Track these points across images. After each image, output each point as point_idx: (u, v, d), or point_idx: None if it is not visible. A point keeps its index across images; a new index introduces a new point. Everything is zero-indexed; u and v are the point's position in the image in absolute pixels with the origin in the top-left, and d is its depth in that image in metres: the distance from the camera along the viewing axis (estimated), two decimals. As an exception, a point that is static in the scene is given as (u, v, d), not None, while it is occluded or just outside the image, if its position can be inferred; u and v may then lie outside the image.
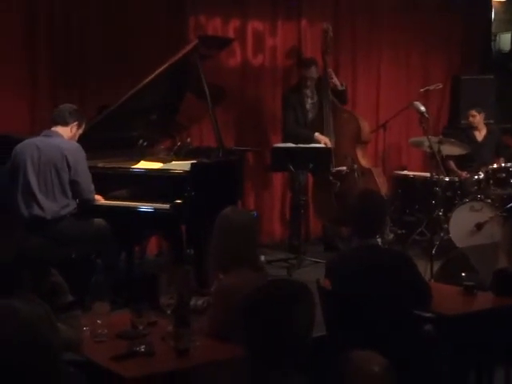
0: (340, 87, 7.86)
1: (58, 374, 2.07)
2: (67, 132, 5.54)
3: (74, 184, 5.46)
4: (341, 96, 7.94)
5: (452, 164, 8.15)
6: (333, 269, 3.91)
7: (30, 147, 5.46)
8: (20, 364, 1.95)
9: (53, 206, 5.41)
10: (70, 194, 5.46)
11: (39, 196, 5.39)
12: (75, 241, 5.43)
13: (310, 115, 7.89)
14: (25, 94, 6.97)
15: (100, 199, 5.75)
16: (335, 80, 7.84)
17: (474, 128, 8.34)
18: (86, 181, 5.51)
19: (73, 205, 5.50)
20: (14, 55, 6.87)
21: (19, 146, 5.50)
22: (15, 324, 1.99)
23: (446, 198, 7.60)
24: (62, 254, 5.20)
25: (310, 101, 7.89)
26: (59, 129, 5.53)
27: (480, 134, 8.34)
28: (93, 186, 5.56)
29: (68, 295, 3.29)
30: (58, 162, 5.39)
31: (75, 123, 5.55)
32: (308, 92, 7.87)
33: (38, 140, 5.51)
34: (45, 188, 5.41)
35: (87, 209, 5.60)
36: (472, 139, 8.20)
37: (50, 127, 5.59)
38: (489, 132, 8.36)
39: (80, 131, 5.62)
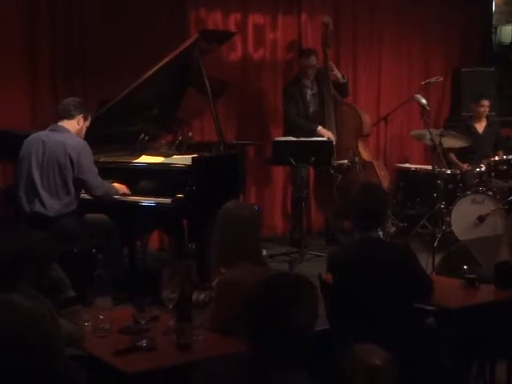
0: (341, 80, 7.86)
1: (60, 368, 2.07)
2: (74, 125, 5.51)
3: (79, 182, 5.44)
4: (342, 89, 7.93)
5: (453, 156, 8.13)
6: (334, 262, 3.91)
7: (36, 141, 5.44)
8: (21, 359, 1.95)
9: (55, 203, 5.39)
10: (73, 192, 5.43)
11: (42, 192, 5.38)
12: (77, 237, 5.43)
13: (311, 108, 7.89)
14: (25, 89, 6.97)
15: (123, 188, 5.72)
16: (336, 72, 7.83)
17: (475, 120, 8.31)
18: (91, 177, 5.46)
19: (75, 203, 5.48)
20: (14, 50, 6.87)
21: (27, 139, 5.50)
22: (17, 319, 1.99)
23: (447, 190, 7.60)
24: (63, 249, 5.19)
25: (309, 92, 7.89)
26: (65, 123, 5.50)
27: (481, 126, 8.31)
28: (99, 182, 5.51)
29: (70, 290, 3.29)
30: (61, 159, 5.37)
31: (81, 115, 5.53)
32: (308, 83, 7.87)
33: (44, 134, 5.49)
34: (48, 185, 5.39)
35: (99, 204, 5.59)
36: (473, 131, 8.18)
37: (51, 122, 5.58)
38: (489, 124, 8.34)
39: (87, 123, 5.59)
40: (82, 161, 5.40)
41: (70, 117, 5.50)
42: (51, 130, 5.51)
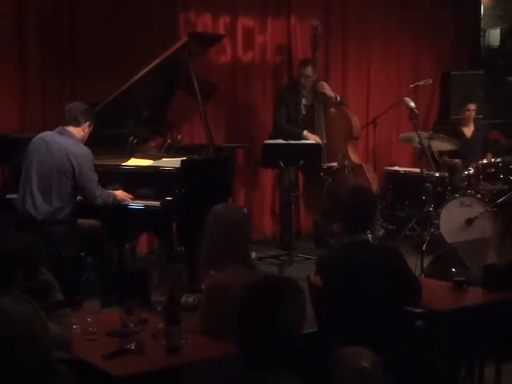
0: (334, 100, 7.76)
1: (49, 372, 2.07)
2: (79, 132, 5.51)
3: (79, 190, 5.45)
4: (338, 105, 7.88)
5: (446, 157, 8.13)
6: (323, 265, 3.92)
7: (41, 142, 5.45)
8: (10, 362, 1.95)
9: (46, 207, 5.38)
10: (66, 199, 5.42)
11: (36, 193, 5.38)
12: (66, 244, 5.41)
13: (303, 113, 7.88)
14: (14, 92, 6.96)
15: (125, 195, 5.69)
16: (327, 91, 7.73)
17: (463, 124, 8.34)
18: (92, 187, 5.45)
19: (68, 210, 5.46)
20: (2, 51, 6.85)
21: (34, 138, 5.51)
22: (6, 322, 1.99)
23: (436, 193, 7.62)
24: (52, 253, 5.17)
25: (304, 101, 7.88)
26: (71, 129, 5.49)
27: (469, 130, 8.34)
28: (99, 191, 5.49)
29: (58, 293, 3.28)
30: (62, 165, 5.37)
31: (87, 123, 5.53)
32: (304, 93, 7.85)
33: (49, 136, 5.49)
34: (43, 187, 5.38)
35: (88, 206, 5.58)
36: (461, 136, 8.20)
37: (40, 124, 5.57)
38: (477, 129, 8.35)
39: (91, 129, 5.59)
40: (84, 170, 5.40)
41: (77, 124, 5.49)
42: (57, 133, 5.51)
